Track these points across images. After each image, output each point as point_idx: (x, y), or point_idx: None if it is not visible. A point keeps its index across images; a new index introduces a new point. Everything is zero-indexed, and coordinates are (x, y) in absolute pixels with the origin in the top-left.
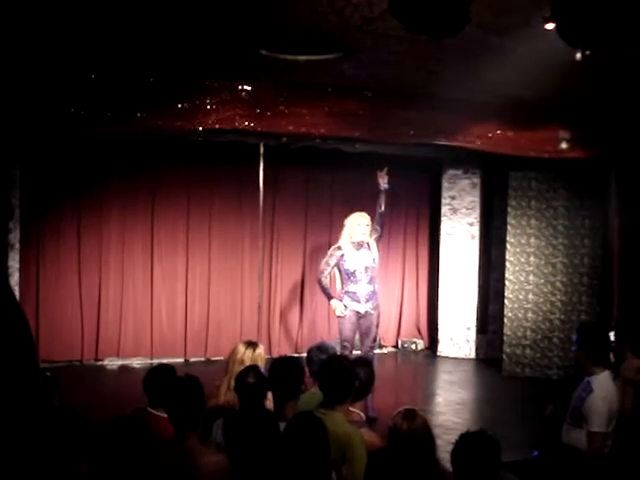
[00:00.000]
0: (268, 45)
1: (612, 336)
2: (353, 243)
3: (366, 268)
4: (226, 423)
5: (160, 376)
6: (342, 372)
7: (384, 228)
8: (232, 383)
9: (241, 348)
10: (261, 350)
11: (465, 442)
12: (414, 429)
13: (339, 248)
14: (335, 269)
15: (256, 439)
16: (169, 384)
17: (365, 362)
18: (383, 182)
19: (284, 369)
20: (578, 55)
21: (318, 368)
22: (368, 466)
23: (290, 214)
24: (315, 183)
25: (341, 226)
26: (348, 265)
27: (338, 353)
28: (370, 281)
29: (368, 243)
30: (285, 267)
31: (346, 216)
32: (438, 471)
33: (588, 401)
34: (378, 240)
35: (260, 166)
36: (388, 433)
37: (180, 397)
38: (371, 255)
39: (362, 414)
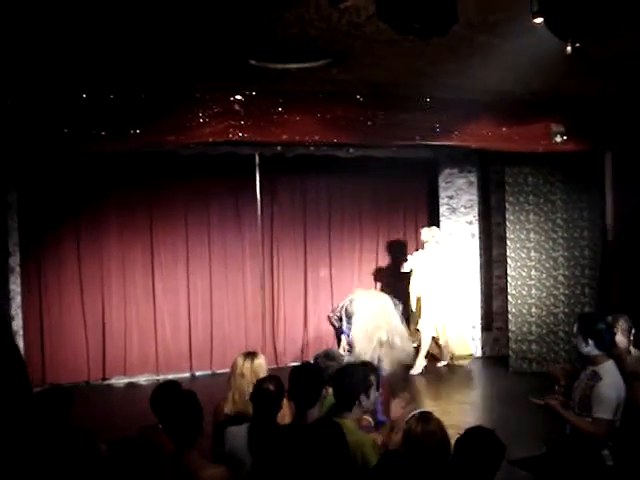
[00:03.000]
0: (257, 55)
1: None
2: None
3: None
4: (250, 433)
5: (166, 393)
6: (351, 381)
7: None
8: (237, 397)
9: (240, 361)
10: (261, 360)
11: (468, 437)
12: (429, 432)
13: None
14: None
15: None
16: (167, 401)
17: (371, 367)
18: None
19: (305, 376)
20: (568, 48)
21: (326, 375)
22: (380, 468)
23: (288, 222)
24: (312, 191)
25: (340, 231)
26: None
27: (345, 360)
28: None
29: None
30: (287, 275)
31: (344, 221)
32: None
33: (597, 388)
34: None
35: (256, 176)
36: (403, 436)
37: (176, 413)
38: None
39: (370, 419)
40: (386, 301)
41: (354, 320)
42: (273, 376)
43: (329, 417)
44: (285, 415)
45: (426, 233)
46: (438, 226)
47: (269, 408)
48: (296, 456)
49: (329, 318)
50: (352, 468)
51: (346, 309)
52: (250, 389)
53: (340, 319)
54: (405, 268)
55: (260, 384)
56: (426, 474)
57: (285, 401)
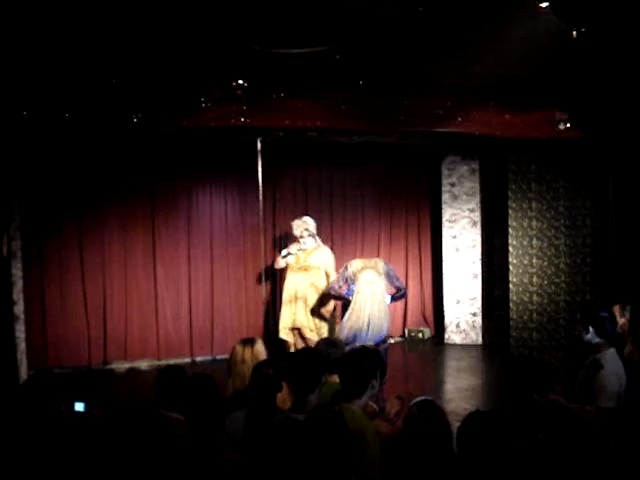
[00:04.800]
0: (260, 40)
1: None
2: None
3: None
4: (248, 418)
5: (170, 377)
6: (363, 366)
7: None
8: (238, 383)
9: (239, 348)
10: (260, 346)
11: (472, 421)
12: (431, 419)
13: None
14: None
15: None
16: (182, 385)
17: (377, 352)
18: None
19: (304, 361)
20: (574, 33)
21: (327, 362)
22: (384, 455)
23: (290, 208)
24: (314, 177)
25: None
26: None
27: (347, 347)
28: None
29: None
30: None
31: (345, 206)
32: (455, 461)
33: (599, 377)
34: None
35: (258, 163)
36: (404, 423)
37: (195, 397)
38: None
39: (375, 405)
40: (382, 287)
41: (354, 288)
42: (271, 360)
43: (336, 403)
44: (285, 400)
45: (298, 225)
46: (440, 213)
47: (268, 392)
48: (295, 446)
49: (330, 294)
50: (354, 455)
51: (347, 275)
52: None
53: (342, 283)
54: (280, 263)
55: (258, 368)
56: (428, 461)
57: (285, 386)
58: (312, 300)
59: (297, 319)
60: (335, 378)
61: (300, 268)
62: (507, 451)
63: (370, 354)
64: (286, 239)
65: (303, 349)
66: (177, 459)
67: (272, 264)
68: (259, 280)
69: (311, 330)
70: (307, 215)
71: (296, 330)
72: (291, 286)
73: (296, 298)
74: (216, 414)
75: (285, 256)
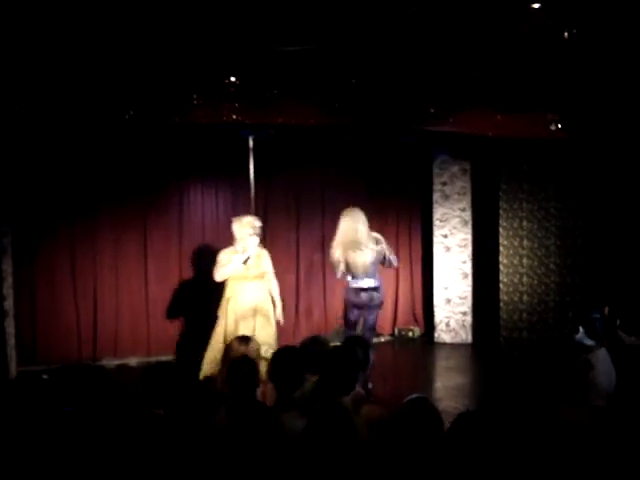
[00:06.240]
0: (254, 37)
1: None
2: None
3: None
4: (228, 412)
5: (157, 375)
6: (349, 364)
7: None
8: None
9: (235, 345)
10: (254, 344)
11: (463, 422)
12: (424, 416)
13: None
14: None
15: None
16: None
17: (361, 342)
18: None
19: (286, 360)
20: (565, 34)
21: (314, 361)
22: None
23: (282, 206)
24: (306, 180)
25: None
26: None
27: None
28: None
29: None
30: (279, 260)
31: (336, 205)
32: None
33: (591, 377)
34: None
35: (250, 162)
36: (395, 419)
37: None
38: None
39: (362, 391)
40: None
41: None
42: (246, 356)
43: (321, 399)
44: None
45: (244, 225)
46: (431, 212)
47: (245, 388)
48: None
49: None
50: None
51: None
52: None
53: None
54: (231, 272)
55: (233, 365)
56: (420, 458)
57: (268, 383)
58: (271, 313)
59: (260, 337)
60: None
61: (257, 276)
62: (498, 452)
63: (356, 348)
64: (277, 238)
65: (283, 348)
66: (163, 456)
67: (212, 273)
68: None
69: (271, 348)
70: (299, 216)
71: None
72: (249, 298)
73: (255, 312)
74: (203, 409)
75: (246, 261)
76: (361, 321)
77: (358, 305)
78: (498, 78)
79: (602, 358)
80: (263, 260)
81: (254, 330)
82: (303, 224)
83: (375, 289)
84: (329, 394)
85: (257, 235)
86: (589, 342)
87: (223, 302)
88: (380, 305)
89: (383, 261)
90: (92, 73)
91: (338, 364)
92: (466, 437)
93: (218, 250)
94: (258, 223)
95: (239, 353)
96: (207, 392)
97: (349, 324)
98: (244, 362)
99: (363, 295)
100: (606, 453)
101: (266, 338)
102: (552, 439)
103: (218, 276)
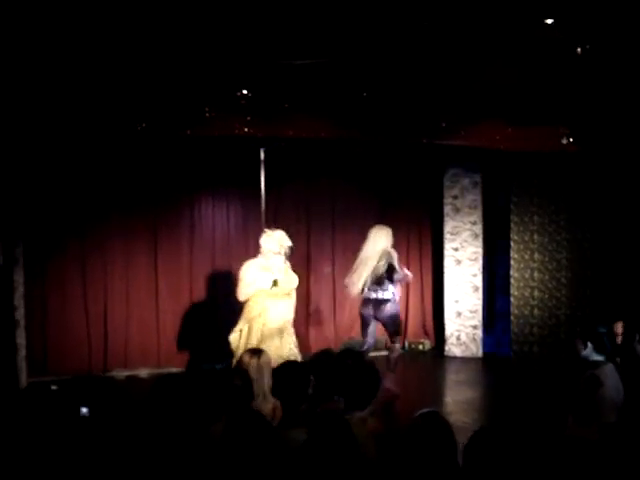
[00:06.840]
0: (264, 51)
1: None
2: None
3: None
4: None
5: (165, 387)
6: (367, 379)
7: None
8: None
9: (246, 357)
10: (266, 357)
11: (481, 438)
12: (436, 431)
13: None
14: None
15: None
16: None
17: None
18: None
19: (288, 375)
20: (578, 49)
21: (328, 374)
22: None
23: (293, 218)
24: (316, 193)
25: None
26: None
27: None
28: None
29: None
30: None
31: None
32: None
33: (601, 394)
34: None
35: (261, 175)
36: (407, 434)
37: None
38: None
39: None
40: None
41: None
42: (240, 369)
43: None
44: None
45: (274, 240)
46: (441, 225)
47: (238, 402)
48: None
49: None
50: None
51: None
52: (255, 385)
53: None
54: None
55: (227, 379)
56: (432, 473)
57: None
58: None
59: (283, 356)
60: None
61: (286, 293)
62: (514, 468)
63: (372, 367)
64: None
65: (286, 363)
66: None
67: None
68: None
69: (297, 358)
70: (309, 229)
71: None
72: (278, 316)
73: (282, 331)
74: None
75: (273, 285)
76: (374, 330)
77: (363, 315)
78: (510, 92)
79: (610, 373)
80: (290, 277)
81: (278, 349)
82: (313, 236)
83: (383, 301)
84: (346, 409)
85: (283, 254)
86: (597, 357)
87: (247, 315)
88: (390, 317)
89: (392, 276)
90: (104, 86)
91: (350, 381)
92: (484, 453)
93: (229, 263)
94: (288, 242)
95: (251, 366)
96: (211, 403)
97: (363, 333)
98: (236, 375)
99: (370, 306)
100: (616, 470)
101: (289, 352)
102: (561, 456)
103: (242, 295)
